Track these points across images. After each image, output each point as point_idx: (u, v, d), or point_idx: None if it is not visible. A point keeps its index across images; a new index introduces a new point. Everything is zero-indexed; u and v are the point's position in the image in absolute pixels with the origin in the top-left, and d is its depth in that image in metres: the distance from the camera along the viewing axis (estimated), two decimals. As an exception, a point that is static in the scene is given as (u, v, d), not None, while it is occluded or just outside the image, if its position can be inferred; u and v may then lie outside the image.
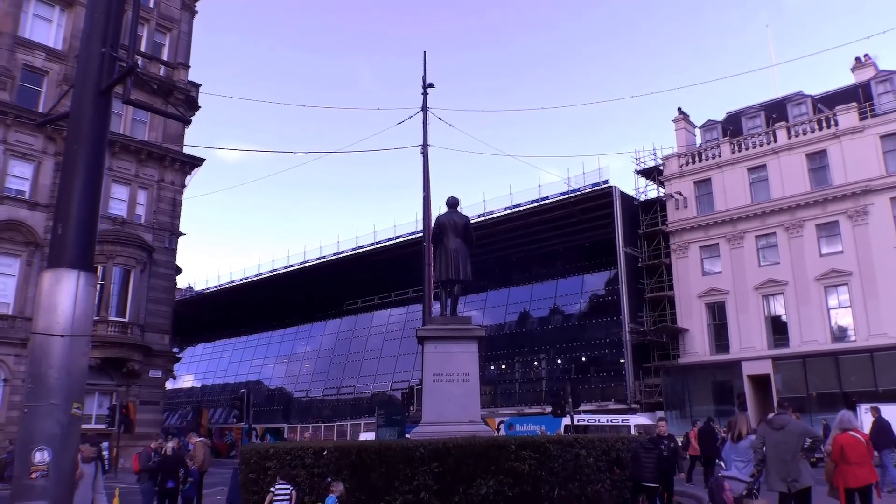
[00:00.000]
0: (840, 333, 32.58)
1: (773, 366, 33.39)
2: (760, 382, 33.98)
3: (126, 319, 30.51)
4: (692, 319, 36.53)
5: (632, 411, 34.22)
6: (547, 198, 41.78)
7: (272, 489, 9.52)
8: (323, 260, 54.22)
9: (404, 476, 9.60)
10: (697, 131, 41.22)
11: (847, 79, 40.70)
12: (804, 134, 34.99)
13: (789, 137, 35.35)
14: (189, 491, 13.91)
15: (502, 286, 46.66)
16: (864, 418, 18.91)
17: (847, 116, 33.57)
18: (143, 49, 33.09)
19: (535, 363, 44.81)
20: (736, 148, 37.22)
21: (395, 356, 50.27)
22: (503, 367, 45.29)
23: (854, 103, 33.93)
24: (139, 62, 25.93)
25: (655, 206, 39.58)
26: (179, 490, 13.60)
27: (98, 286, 27.34)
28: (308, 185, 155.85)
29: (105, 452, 22.31)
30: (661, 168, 39.99)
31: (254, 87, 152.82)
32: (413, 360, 44.16)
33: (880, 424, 15.27)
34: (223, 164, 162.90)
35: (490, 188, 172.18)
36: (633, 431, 24.28)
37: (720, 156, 37.52)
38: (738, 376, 34.37)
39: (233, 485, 12.24)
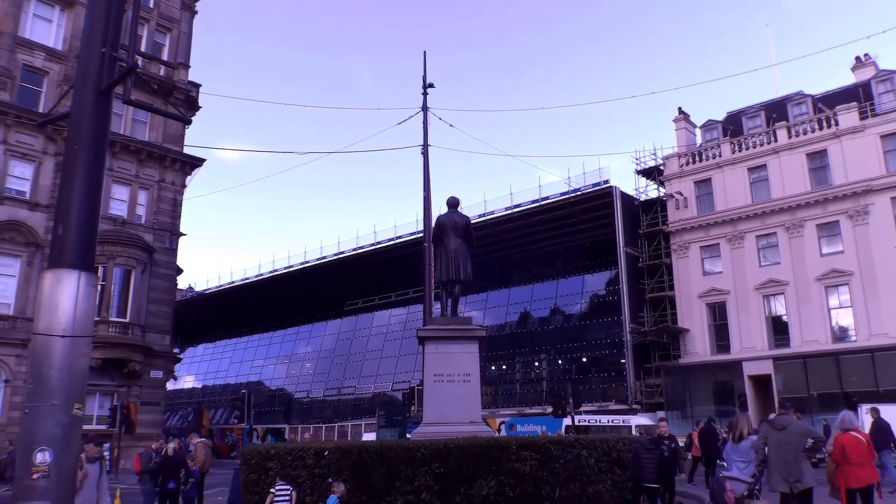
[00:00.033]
0: (841, 333, 32.57)
1: (773, 366, 33.39)
2: (761, 383, 33.98)
3: (127, 320, 30.50)
4: (693, 319, 36.52)
5: (633, 412, 34.24)
6: (547, 198, 41.78)
7: (272, 490, 9.53)
8: (324, 260, 54.19)
9: (405, 476, 9.60)
10: (698, 131, 41.21)
11: (847, 78, 40.72)
12: (804, 134, 34.99)
13: (790, 137, 35.34)
14: (190, 492, 13.93)
15: (503, 286, 46.68)
16: (865, 419, 18.91)
17: (847, 116, 33.56)
18: (143, 49, 33.07)
19: (536, 363, 44.83)
20: (736, 148, 37.20)
21: (396, 356, 50.28)
22: (504, 367, 45.31)
23: (854, 103, 33.93)
24: (139, 62, 25.93)
25: (656, 206, 39.58)
26: (181, 491, 13.62)
27: (99, 287, 27.35)
28: (308, 185, 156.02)
29: (106, 453, 22.28)
30: (662, 168, 39.99)
31: (254, 87, 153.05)
32: (414, 361, 44.11)
33: (879, 425, 15.36)
34: (223, 164, 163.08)
35: (490, 188, 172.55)
36: (633, 432, 24.32)
37: (720, 156, 37.51)
38: (738, 376, 34.36)
39: (234, 485, 12.24)
